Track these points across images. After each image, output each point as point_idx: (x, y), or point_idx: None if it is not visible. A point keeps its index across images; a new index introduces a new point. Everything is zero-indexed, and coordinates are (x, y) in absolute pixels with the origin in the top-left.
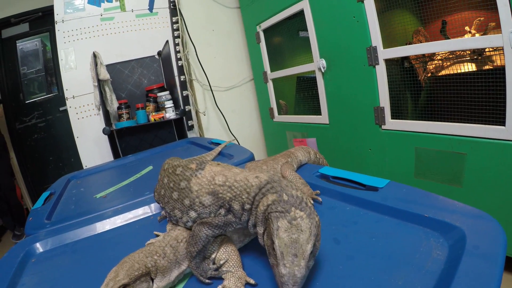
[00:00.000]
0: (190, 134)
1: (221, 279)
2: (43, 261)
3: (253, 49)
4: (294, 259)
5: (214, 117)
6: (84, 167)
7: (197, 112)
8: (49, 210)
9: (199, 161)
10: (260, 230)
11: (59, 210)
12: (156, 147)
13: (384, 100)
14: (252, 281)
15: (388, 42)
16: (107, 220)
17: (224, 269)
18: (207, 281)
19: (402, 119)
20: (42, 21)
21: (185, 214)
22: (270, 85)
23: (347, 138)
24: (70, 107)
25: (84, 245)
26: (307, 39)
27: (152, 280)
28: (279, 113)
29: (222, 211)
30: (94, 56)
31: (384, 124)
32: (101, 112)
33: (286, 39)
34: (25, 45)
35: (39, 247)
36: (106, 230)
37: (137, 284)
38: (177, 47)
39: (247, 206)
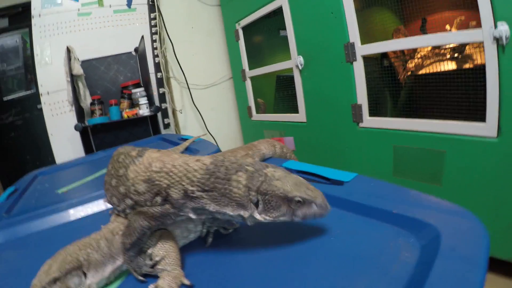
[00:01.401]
0: (167, 132)
1: (156, 277)
2: None
3: (232, 47)
4: (308, 189)
5: (191, 115)
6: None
7: (174, 110)
8: (9, 205)
9: (141, 148)
10: (248, 211)
11: (20, 205)
12: (128, 143)
13: (362, 97)
14: (187, 282)
15: (367, 40)
16: (61, 213)
17: (159, 267)
18: (140, 278)
19: (380, 116)
20: (22, 16)
21: (121, 202)
22: (249, 83)
23: (324, 137)
24: (44, 103)
25: (35, 239)
26: (286, 39)
27: (85, 274)
28: (257, 112)
29: (159, 199)
30: (68, 50)
31: (362, 121)
32: (74, 108)
33: (265, 37)
34: (5, 41)
35: None
36: (59, 224)
37: (68, 278)
38: (154, 43)
39: (197, 193)
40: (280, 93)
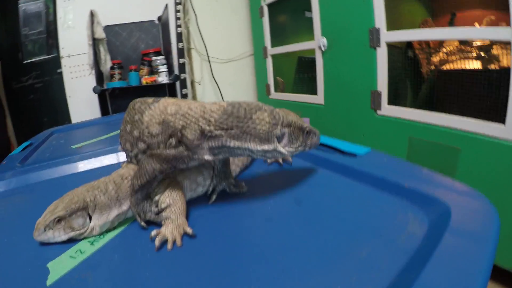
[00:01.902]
0: None
1: (160, 225)
2: (3, 199)
3: (256, 23)
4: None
5: (209, 88)
6: None
7: (192, 81)
8: (23, 157)
9: (157, 98)
10: (272, 145)
11: (34, 157)
12: None
13: (382, 84)
14: (190, 231)
15: (393, 28)
16: (73, 164)
17: (164, 214)
18: (143, 223)
19: (399, 105)
20: None
21: (135, 146)
22: (269, 61)
23: (341, 121)
24: (65, 66)
25: (46, 185)
26: (311, 20)
27: (90, 217)
28: (276, 90)
29: (173, 141)
30: (91, 14)
31: (380, 109)
32: (94, 71)
33: (290, 17)
34: (28, 6)
35: (2, 186)
36: (70, 174)
37: (73, 218)
38: (178, 13)
39: (216, 132)
40: (300, 74)
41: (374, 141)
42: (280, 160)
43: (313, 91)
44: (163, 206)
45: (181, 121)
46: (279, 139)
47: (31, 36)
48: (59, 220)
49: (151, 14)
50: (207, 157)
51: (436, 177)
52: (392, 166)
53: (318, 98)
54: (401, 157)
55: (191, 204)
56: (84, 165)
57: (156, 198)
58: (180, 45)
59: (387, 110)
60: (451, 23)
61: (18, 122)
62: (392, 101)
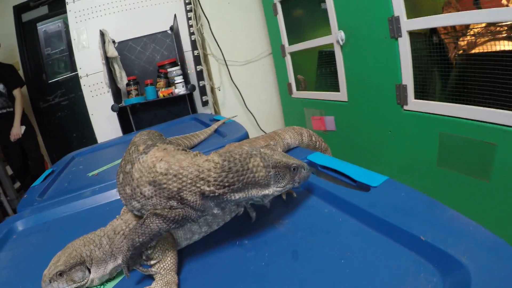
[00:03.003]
0: (205, 110)
1: (150, 278)
2: (22, 238)
3: (271, 21)
4: (293, 158)
5: (230, 92)
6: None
7: (212, 88)
8: (44, 188)
9: (150, 143)
10: (272, 188)
11: (54, 188)
12: (161, 123)
13: (407, 77)
14: None
15: (414, 15)
16: (86, 199)
17: (153, 269)
18: (127, 273)
19: (427, 99)
20: (61, 2)
21: (128, 203)
22: (288, 59)
23: (366, 118)
24: (84, 85)
25: (61, 223)
26: (327, 12)
27: (89, 269)
28: (298, 89)
29: (174, 202)
30: (101, 34)
31: (406, 104)
32: (110, 90)
33: (305, 10)
34: (48, 27)
35: (21, 224)
36: (82, 209)
37: (73, 271)
38: (190, 21)
39: (219, 191)
40: (322, 69)
41: (402, 138)
42: (284, 196)
43: (336, 88)
44: (152, 262)
45: (176, 183)
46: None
47: (54, 55)
48: (61, 273)
49: (164, 25)
50: (216, 211)
51: (460, 223)
52: (410, 205)
53: (341, 95)
54: (430, 163)
55: (186, 251)
56: (96, 199)
57: (148, 252)
58: (196, 52)
59: (414, 105)
60: (476, 2)
61: (49, 139)
62: (419, 94)
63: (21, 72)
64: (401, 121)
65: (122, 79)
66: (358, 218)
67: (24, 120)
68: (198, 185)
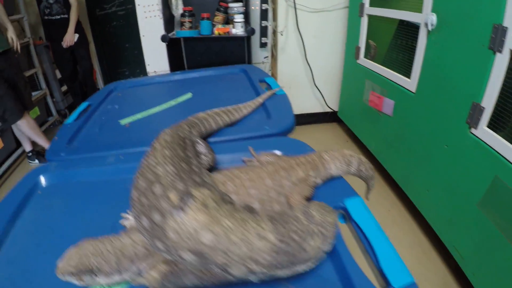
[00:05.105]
0: (262, 52)
1: None
2: (46, 195)
3: None
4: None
5: (292, 38)
6: (147, 66)
7: (274, 31)
8: (74, 131)
9: (182, 191)
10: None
11: (83, 134)
12: (210, 67)
13: (489, 100)
14: None
15: None
16: (112, 166)
17: None
18: None
19: (499, 133)
20: None
21: (154, 247)
22: (365, 20)
23: (428, 119)
24: (138, 5)
25: (85, 188)
26: None
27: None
28: (365, 56)
29: (215, 268)
30: None
31: (476, 128)
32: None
33: None
34: None
35: (47, 179)
36: (106, 179)
37: (82, 275)
38: None
39: (268, 272)
40: (398, 41)
41: (455, 158)
42: None
43: (407, 73)
44: None
45: (223, 257)
46: None
47: None
48: (72, 273)
49: None
50: (255, 281)
51: None
52: None
53: (411, 84)
54: (472, 200)
55: None
56: (121, 169)
57: None
58: None
59: (483, 133)
60: None
61: (101, 48)
62: (494, 125)
63: None
64: (462, 142)
65: (178, 7)
66: None
67: (78, 29)
68: (247, 264)
